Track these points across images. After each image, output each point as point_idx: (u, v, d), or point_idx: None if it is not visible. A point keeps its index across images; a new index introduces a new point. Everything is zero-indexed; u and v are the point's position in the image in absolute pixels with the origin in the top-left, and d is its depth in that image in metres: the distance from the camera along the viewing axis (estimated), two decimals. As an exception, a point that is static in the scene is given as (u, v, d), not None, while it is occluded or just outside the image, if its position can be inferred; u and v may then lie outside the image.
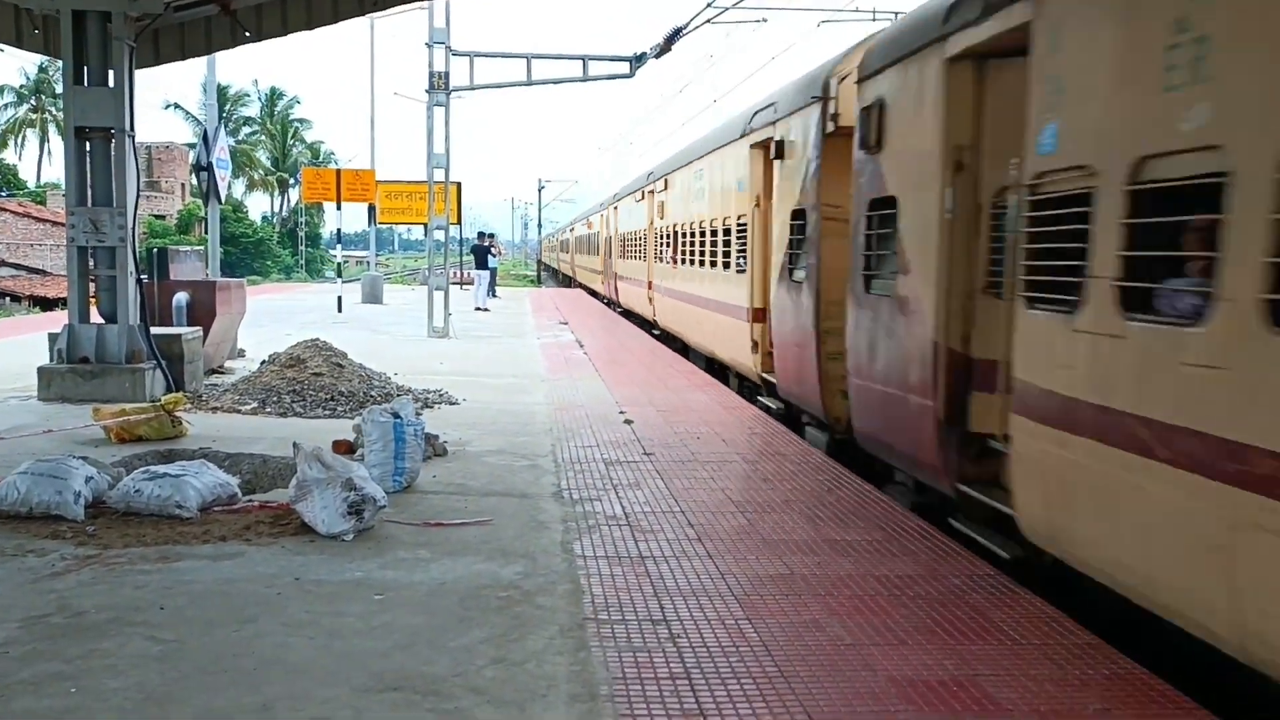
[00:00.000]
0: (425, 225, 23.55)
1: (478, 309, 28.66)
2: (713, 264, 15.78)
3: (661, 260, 21.63)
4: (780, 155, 11.58)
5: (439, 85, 20.21)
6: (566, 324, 24.89)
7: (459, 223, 31.57)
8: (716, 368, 16.29)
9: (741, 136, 13.67)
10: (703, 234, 16.66)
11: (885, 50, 8.24)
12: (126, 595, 5.20)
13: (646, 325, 24.43)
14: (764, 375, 12.70)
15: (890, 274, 7.96)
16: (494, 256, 33.89)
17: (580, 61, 20.64)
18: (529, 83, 20.48)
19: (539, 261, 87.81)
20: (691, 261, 17.67)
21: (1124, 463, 4.73)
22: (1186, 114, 4.40)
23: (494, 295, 33.93)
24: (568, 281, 59.98)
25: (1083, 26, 5.38)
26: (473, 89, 21.02)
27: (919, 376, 7.30)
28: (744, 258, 13.53)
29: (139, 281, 11.84)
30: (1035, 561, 5.96)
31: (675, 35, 18.79)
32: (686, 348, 18.91)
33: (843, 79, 9.63)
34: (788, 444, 9.94)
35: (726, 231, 14.82)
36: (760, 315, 12.78)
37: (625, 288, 29.18)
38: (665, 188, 21.15)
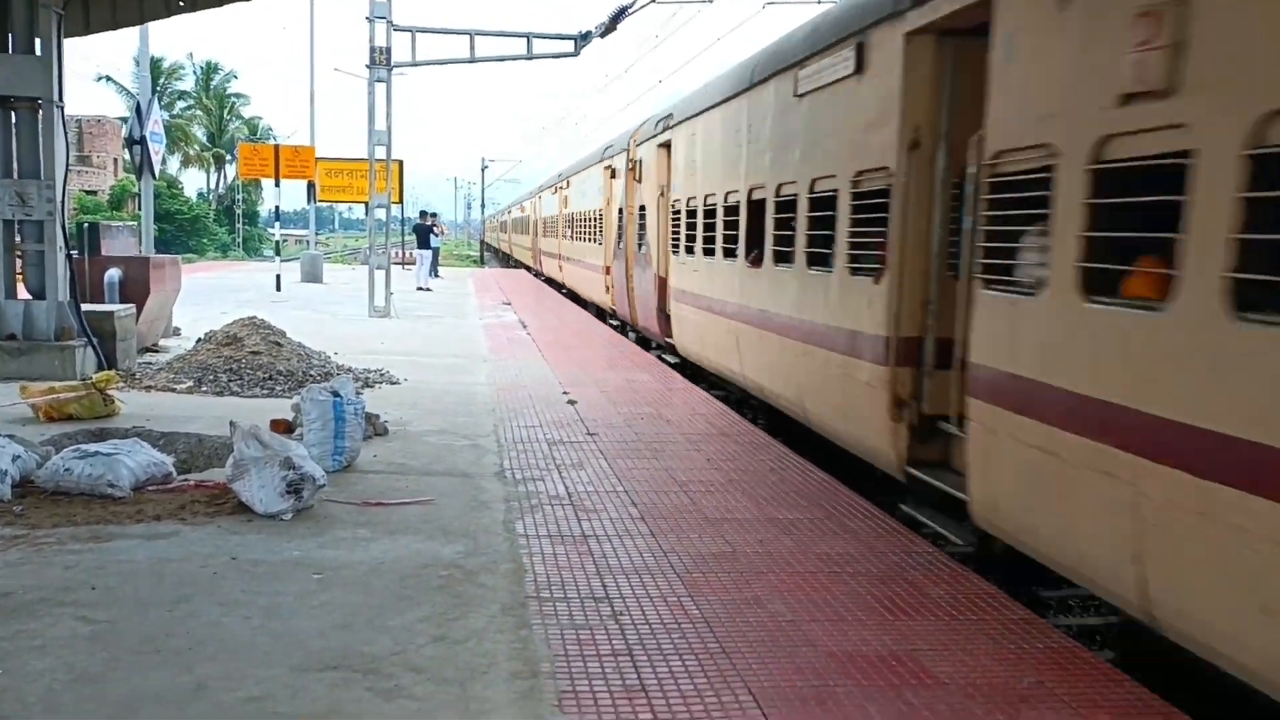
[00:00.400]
0: (366, 204, 23.23)
1: (419, 289, 28.39)
2: (587, 240, 24.64)
3: (566, 238, 29.76)
4: (614, 176, 20.25)
5: (380, 61, 19.90)
6: (510, 304, 24.74)
7: (401, 201, 31.25)
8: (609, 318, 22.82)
9: (599, 161, 22.64)
10: (584, 221, 25.34)
11: (642, 134, 17.33)
12: (55, 575, 5.07)
13: (557, 286, 32.52)
14: (612, 308, 20.97)
15: (645, 243, 16.65)
16: (436, 236, 33.57)
17: (524, 39, 20.45)
18: (472, 60, 20.23)
19: (482, 242, 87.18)
20: (580, 239, 26.38)
21: (705, 315, 12.35)
22: (708, 185, 12.28)
23: (436, 275, 33.63)
24: (506, 260, 61.42)
25: (681, 145, 13.92)
26: (415, 65, 20.71)
27: (653, 292, 15.82)
28: (600, 236, 22.21)
29: (69, 257, 11.52)
30: (683, 366, 14.13)
31: (620, 14, 18.69)
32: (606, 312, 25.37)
33: (635, 141, 18.04)
34: (731, 425, 9.98)
35: (593, 220, 23.61)
36: (608, 270, 21.00)
37: (546, 260, 36.45)
38: (568, 186, 29.20)
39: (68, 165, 11.57)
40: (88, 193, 56.32)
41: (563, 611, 4.85)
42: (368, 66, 20.03)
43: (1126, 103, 4.54)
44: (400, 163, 26.16)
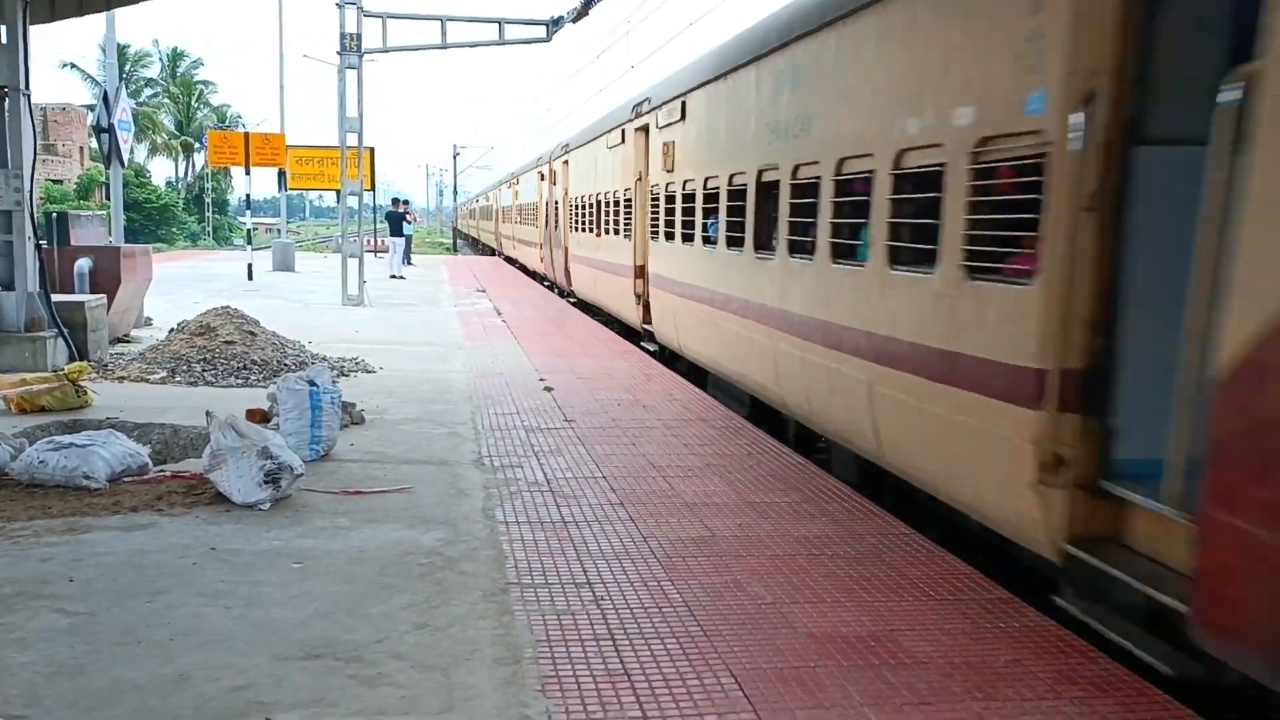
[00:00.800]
0: (337, 191, 23.07)
1: (393, 277, 28.24)
2: (531, 225, 32.44)
3: (518, 224, 38.05)
4: (543, 179, 27.83)
5: (350, 47, 19.75)
6: (484, 292, 24.69)
7: (372, 189, 31.07)
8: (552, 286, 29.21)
9: (534, 168, 30.90)
10: (529, 211, 32.89)
11: (555, 153, 25.97)
12: (32, 568, 5.03)
13: (511, 262, 40.26)
14: (544, 273, 28.31)
15: (558, 228, 24.97)
16: (409, 224, 33.37)
17: (496, 25, 20.36)
18: (443, 45, 20.13)
19: (455, 229, 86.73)
20: (526, 224, 34.49)
21: (586, 269, 20.83)
22: (583, 189, 21.16)
23: (409, 263, 33.45)
24: (475, 244, 63.56)
25: (571, 163, 22.98)
26: (385, 51, 20.59)
27: (563, 259, 23.91)
28: (538, 223, 29.40)
29: (38, 247, 11.39)
30: (587, 310, 20.98)
31: (592, -1, 18.63)
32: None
33: (552, 156, 26.01)
34: (708, 410, 10.02)
35: (533, 209, 31.34)
36: (541, 246, 28.51)
37: (506, 243, 44.88)
38: (518, 183, 37.57)
39: (35, 154, 11.42)
40: (54, 182, 55.55)
41: (544, 597, 4.87)
42: (338, 53, 19.88)
43: (668, 173, 12.81)
44: (371, 150, 26.05)
